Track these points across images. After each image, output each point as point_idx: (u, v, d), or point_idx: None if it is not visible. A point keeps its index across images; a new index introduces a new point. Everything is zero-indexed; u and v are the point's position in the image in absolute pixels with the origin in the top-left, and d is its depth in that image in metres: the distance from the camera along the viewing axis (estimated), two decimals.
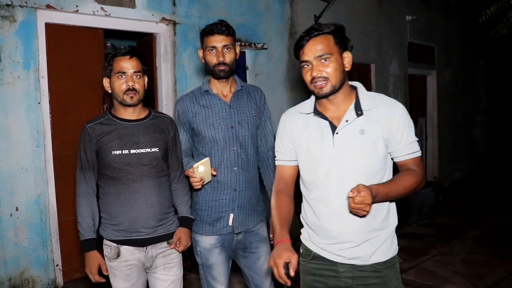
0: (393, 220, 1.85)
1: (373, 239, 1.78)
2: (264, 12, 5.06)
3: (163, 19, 4.24)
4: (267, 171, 2.58)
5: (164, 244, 2.31)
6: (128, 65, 2.17)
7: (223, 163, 2.42)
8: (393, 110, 1.76)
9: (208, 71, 2.45)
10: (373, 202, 1.58)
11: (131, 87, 2.17)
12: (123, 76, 2.17)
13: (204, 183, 2.33)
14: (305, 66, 1.75)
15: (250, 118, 2.48)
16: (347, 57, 1.78)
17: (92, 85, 3.97)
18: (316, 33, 1.73)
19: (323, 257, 1.86)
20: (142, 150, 2.21)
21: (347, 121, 1.75)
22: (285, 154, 1.94)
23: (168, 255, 2.32)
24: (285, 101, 5.23)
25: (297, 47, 1.77)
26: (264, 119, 2.57)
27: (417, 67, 7.86)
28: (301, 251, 1.98)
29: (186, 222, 2.40)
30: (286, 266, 1.60)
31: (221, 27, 2.37)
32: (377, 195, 1.60)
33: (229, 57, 2.39)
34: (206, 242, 2.44)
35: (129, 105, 2.21)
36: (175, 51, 4.37)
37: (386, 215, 1.81)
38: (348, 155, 1.74)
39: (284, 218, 1.80)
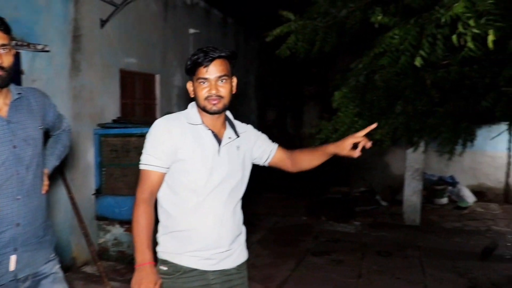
0: (243, 225, 2.16)
1: (237, 241, 2.07)
2: (44, 9, 4.43)
3: None
4: (55, 145, 2.34)
5: None
6: None
7: (3, 193, 1.90)
8: (248, 128, 2.19)
9: None
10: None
11: None
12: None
13: None
14: (202, 83, 1.93)
15: (36, 133, 2.05)
16: (234, 81, 2.05)
17: None
18: (219, 54, 1.92)
19: (194, 269, 1.97)
20: None
21: (230, 137, 2.04)
22: (161, 160, 1.93)
23: None
24: (69, 110, 4.69)
25: (197, 64, 1.91)
26: (56, 118, 2.30)
27: None
28: (165, 269, 2.00)
29: None
30: None
31: None
32: None
33: (7, 60, 1.90)
34: None
35: None
36: None
37: (239, 218, 2.11)
38: (229, 164, 2.01)
39: (149, 238, 1.85)
